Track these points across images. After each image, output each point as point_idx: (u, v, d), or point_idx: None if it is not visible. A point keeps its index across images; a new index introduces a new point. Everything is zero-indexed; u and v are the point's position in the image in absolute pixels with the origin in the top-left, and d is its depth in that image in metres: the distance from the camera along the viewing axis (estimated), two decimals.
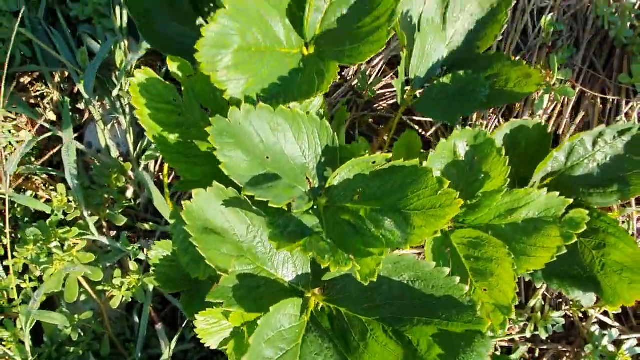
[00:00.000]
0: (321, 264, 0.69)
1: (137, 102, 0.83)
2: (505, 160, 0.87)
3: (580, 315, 1.28)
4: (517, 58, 1.08)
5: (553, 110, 1.34)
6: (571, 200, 0.88)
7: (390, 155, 0.86)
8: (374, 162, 0.86)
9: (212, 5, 1.07)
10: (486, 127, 1.32)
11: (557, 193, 0.88)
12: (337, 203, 0.86)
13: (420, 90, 1.08)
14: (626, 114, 1.30)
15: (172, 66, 0.85)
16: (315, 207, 0.84)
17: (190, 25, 1.06)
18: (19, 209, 1.28)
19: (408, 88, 1.07)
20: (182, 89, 0.87)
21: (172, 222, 0.92)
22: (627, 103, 1.31)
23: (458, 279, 0.79)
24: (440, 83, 1.04)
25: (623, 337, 1.32)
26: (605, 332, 1.26)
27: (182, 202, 0.72)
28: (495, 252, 0.90)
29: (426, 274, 0.80)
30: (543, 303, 1.27)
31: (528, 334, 1.19)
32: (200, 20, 1.08)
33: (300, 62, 0.90)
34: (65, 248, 1.12)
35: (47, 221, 1.17)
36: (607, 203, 0.97)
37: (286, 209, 0.77)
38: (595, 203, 0.98)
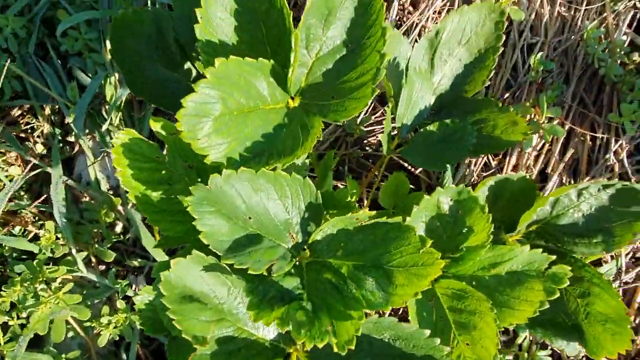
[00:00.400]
0: (296, 339, 0.69)
1: (119, 163, 0.83)
2: (489, 217, 0.87)
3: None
4: (505, 104, 1.09)
5: (542, 147, 1.35)
6: (554, 257, 0.88)
7: (374, 213, 0.87)
8: (357, 219, 0.86)
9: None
10: (475, 165, 1.33)
11: (540, 250, 0.88)
12: (320, 257, 0.87)
13: (408, 137, 1.09)
14: (615, 152, 1.31)
15: (156, 126, 0.85)
16: (297, 263, 0.84)
17: (179, 70, 1.06)
18: (6, 247, 1.28)
19: (395, 133, 1.07)
20: (166, 146, 0.87)
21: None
22: (616, 141, 1.31)
23: (439, 340, 0.79)
24: (427, 131, 1.04)
25: None
26: None
27: (160, 273, 0.72)
28: (478, 305, 0.90)
29: (407, 334, 0.80)
30: (530, 340, 1.28)
31: None
32: (188, 65, 1.08)
33: (284, 117, 0.91)
34: (52, 289, 1.13)
35: (35, 261, 1.18)
36: (592, 253, 0.97)
37: (267, 274, 0.77)
38: (580, 252, 0.98)
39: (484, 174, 1.34)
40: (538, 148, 1.35)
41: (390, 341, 0.81)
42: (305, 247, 0.88)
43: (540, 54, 1.30)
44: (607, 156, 1.29)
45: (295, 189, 0.85)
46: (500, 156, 1.36)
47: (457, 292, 0.93)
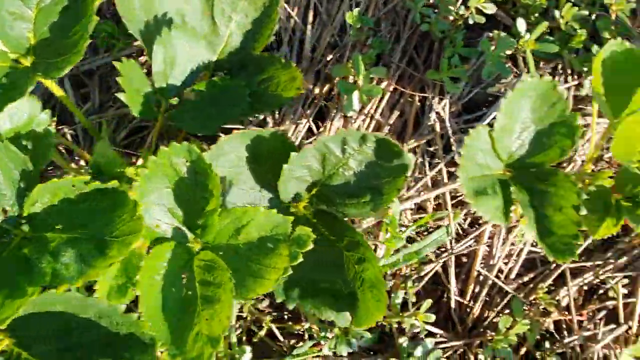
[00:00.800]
0: None
1: None
2: (216, 177, 0.79)
3: (396, 325, 1.22)
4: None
5: (370, 110, 1.27)
6: (292, 218, 0.81)
7: (88, 177, 0.78)
8: (73, 185, 0.78)
9: None
10: (295, 131, 1.25)
11: (275, 210, 0.81)
12: (39, 232, 0.78)
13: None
14: (438, 113, 1.24)
15: None
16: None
17: None
18: None
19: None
20: None
21: None
22: (440, 100, 1.24)
23: (136, 315, 0.72)
24: (194, 91, 0.96)
25: (446, 345, 1.27)
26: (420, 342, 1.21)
27: None
28: (222, 276, 0.83)
29: (108, 311, 0.72)
30: None
31: (326, 351, 1.13)
32: None
33: (4, 77, 0.82)
34: None
35: None
36: (362, 214, 0.90)
37: None
38: (352, 214, 0.91)
39: (306, 142, 1.26)
40: (366, 112, 1.28)
41: (96, 320, 0.73)
42: (22, 221, 0.79)
43: (357, 10, 1.22)
44: (430, 115, 1.23)
45: None
46: (328, 121, 1.28)
47: (209, 263, 0.86)
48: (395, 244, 1.09)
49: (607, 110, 0.92)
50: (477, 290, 1.30)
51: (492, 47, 1.17)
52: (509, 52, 1.22)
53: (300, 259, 0.80)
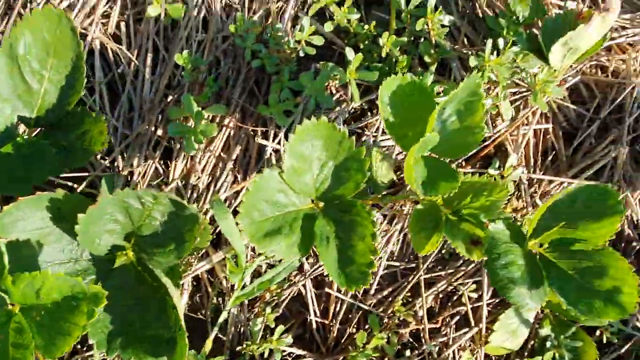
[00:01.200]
0: None
1: None
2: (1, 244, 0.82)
3: (265, 351, 1.26)
4: (98, 114, 1.04)
5: (215, 146, 1.31)
6: (81, 279, 0.83)
7: None
8: None
9: None
10: (143, 176, 1.27)
11: (62, 273, 0.83)
12: None
13: None
14: (273, 147, 1.28)
15: None
16: None
17: None
18: None
19: None
20: None
21: None
22: (275, 135, 1.29)
23: None
24: (2, 154, 0.97)
25: None
26: None
27: None
28: (28, 337, 0.85)
29: None
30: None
31: None
32: None
33: None
34: None
35: None
36: (168, 262, 0.94)
37: None
38: (161, 262, 0.95)
39: (153, 183, 1.28)
40: (211, 148, 1.31)
41: None
42: None
43: (186, 52, 1.25)
44: (268, 149, 1.27)
45: None
46: (174, 161, 1.31)
47: (19, 325, 0.87)
48: (233, 278, 1.13)
49: (396, 141, 0.98)
50: (337, 309, 1.36)
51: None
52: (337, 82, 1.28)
53: (97, 316, 0.83)
